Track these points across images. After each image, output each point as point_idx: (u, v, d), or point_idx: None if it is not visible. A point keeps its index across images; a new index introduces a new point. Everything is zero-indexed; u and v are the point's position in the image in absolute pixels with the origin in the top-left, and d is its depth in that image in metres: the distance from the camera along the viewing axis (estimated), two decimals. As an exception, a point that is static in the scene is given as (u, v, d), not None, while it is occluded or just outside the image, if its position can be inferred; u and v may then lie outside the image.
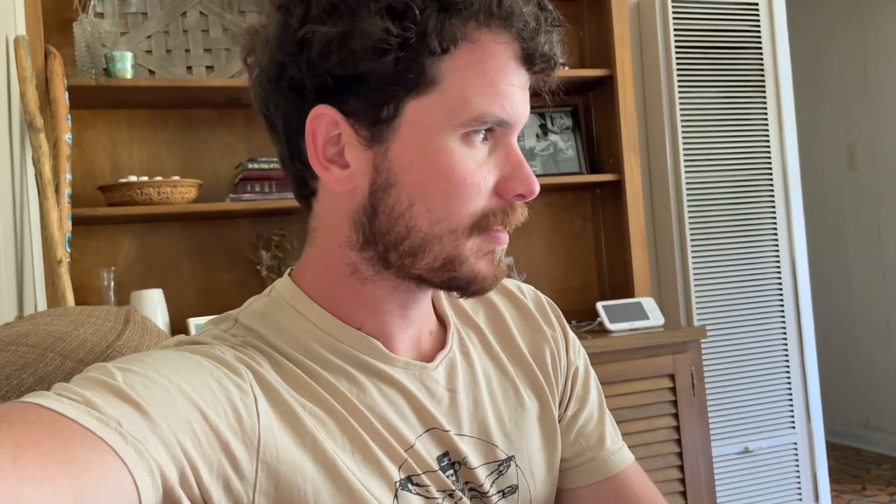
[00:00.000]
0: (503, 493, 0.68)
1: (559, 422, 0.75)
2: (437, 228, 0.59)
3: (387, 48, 0.55)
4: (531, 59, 0.60)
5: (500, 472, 0.68)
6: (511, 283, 0.78)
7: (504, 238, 0.63)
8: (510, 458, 0.69)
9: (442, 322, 0.71)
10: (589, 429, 0.75)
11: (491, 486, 0.67)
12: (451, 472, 0.64)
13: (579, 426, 0.75)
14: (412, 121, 0.58)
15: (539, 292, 0.80)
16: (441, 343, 0.69)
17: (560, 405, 0.76)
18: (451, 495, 0.63)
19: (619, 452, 0.75)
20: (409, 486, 0.60)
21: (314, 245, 0.65)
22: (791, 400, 2.60)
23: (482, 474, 0.66)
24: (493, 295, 0.76)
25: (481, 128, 0.59)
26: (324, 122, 0.59)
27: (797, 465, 2.58)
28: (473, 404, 0.68)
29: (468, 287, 0.62)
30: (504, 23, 0.58)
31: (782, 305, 2.61)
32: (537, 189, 0.62)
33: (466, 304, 0.73)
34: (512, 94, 0.59)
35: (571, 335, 0.78)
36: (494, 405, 0.70)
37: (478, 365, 0.70)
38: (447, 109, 0.58)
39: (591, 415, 0.76)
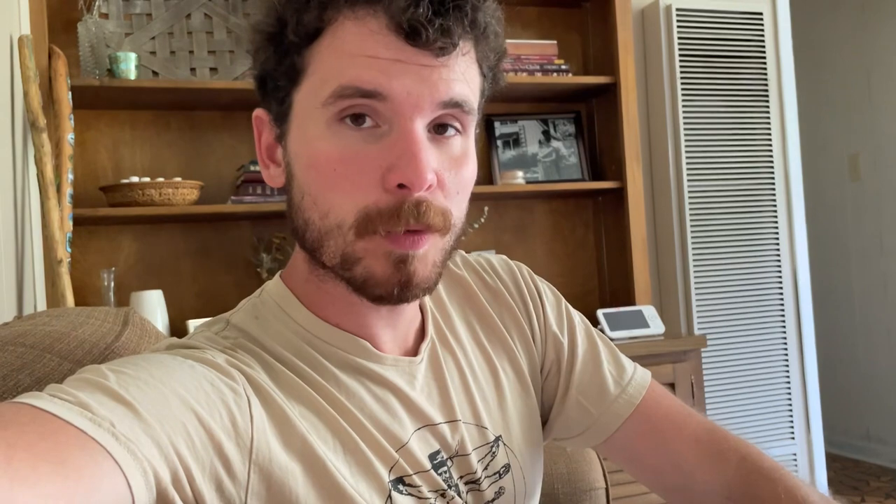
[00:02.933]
0: (499, 475, 0.68)
1: (556, 387, 0.75)
2: (325, 222, 0.58)
3: (264, 45, 0.59)
4: (410, 31, 0.54)
5: (493, 454, 0.68)
6: (481, 258, 0.78)
7: (403, 241, 0.56)
8: (498, 438, 0.69)
9: (419, 309, 0.71)
10: (586, 384, 0.75)
11: (483, 470, 0.67)
12: (444, 468, 0.64)
13: (575, 384, 0.75)
14: (296, 112, 0.59)
15: (512, 262, 0.79)
16: (421, 332, 0.69)
17: (543, 370, 0.76)
18: (442, 495, 0.63)
19: (623, 394, 0.74)
20: (401, 487, 0.60)
21: (296, 245, 0.65)
22: (791, 410, 2.60)
23: (475, 460, 0.66)
24: (463, 272, 0.75)
25: (344, 104, 0.55)
26: (263, 123, 0.64)
27: (795, 473, 2.58)
28: (461, 389, 0.69)
29: (364, 289, 0.58)
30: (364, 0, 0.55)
31: (783, 315, 2.61)
32: (423, 179, 0.54)
33: (440, 283, 0.72)
34: (379, 65, 0.54)
35: (549, 297, 0.77)
36: (479, 387, 0.70)
37: (457, 349, 0.70)
38: (312, 93, 0.57)
39: (585, 369, 0.75)
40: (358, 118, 0.56)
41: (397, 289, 0.58)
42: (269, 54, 0.59)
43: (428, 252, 0.58)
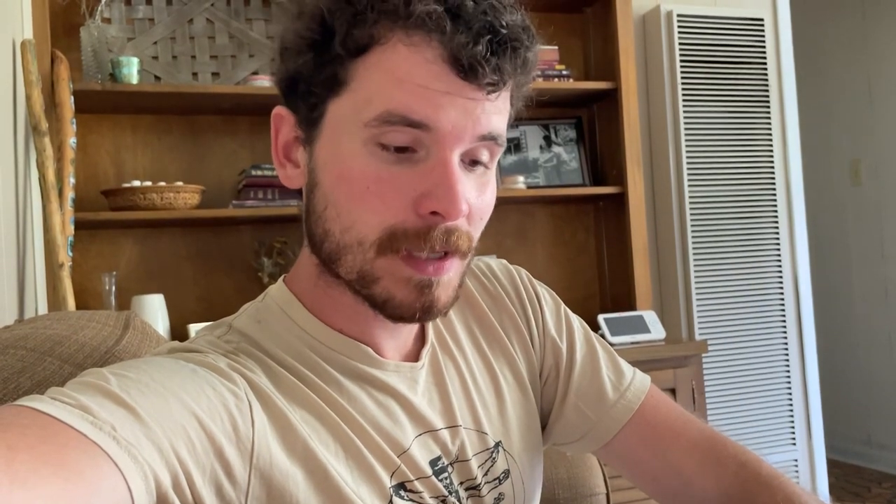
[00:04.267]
0: (499, 480, 0.68)
1: (554, 392, 0.75)
2: (346, 237, 0.58)
3: (303, 50, 0.58)
4: (467, 67, 0.54)
5: (493, 459, 0.68)
6: (481, 262, 0.78)
7: (425, 267, 0.57)
8: (498, 444, 0.69)
9: None
10: (584, 389, 0.75)
11: (483, 476, 0.67)
12: (445, 475, 0.64)
13: (574, 389, 0.75)
14: (330, 122, 0.59)
15: (511, 266, 0.79)
16: (421, 337, 0.69)
17: (542, 375, 0.76)
18: (443, 501, 0.63)
19: (622, 399, 0.74)
20: (402, 492, 0.60)
21: (302, 248, 0.65)
22: (792, 416, 2.59)
23: (475, 465, 0.66)
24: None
25: (388, 129, 0.55)
26: (283, 122, 0.63)
27: (797, 482, 2.57)
28: (462, 395, 0.69)
29: (384, 309, 0.59)
30: (419, 24, 0.54)
31: (784, 321, 2.61)
32: (459, 210, 0.55)
33: None
34: (429, 96, 0.54)
35: (548, 301, 0.78)
36: (479, 392, 0.70)
37: (457, 354, 0.71)
38: (354, 109, 0.57)
39: (584, 374, 0.75)
40: (400, 148, 0.56)
41: (419, 313, 0.58)
42: (308, 59, 0.58)
43: (451, 278, 0.59)
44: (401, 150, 0.56)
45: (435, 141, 0.56)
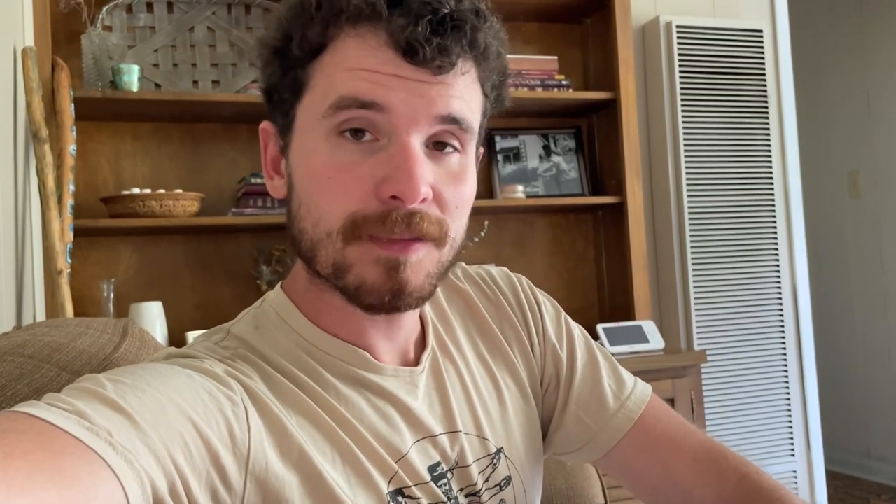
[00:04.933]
0: (500, 487, 0.68)
1: (555, 401, 0.75)
2: (317, 231, 0.59)
3: (271, 59, 0.61)
4: (409, 49, 0.55)
5: (494, 465, 0.68)
6: (482, 270, 0.78)
7: (391, 246, 0.57)
8: (500, 450, 0.69)
9: (419, 319, 0.71)
10: (585, 398, 0.74)
11: (483, 483, 0.66)
12: (444, 481, 0.64)
13: (574, 398, 0.74)
14: (298, 124, 0.60)
15: (512, 273, 0.79)
16: (421, 342, 0.69)
17: (542, 383, 0.75)
18: None
19: (623, 409, 0.74)
20: (400, 498, 0.60)
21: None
22: (791, 427, 2.59)
23: (475, 471, 0.66)
24: (464, 284, 0.75)
25: (343, 114, 0.56)
26: (269, 135, 0.65)
27: (797, 494, 2.56)
28: (463, 400, 0.68)
29: (357, 297, 0.58)
30: (361, 14, 0.56)
31: (783, 332, 2.61)
32: (416, 191, 0.55)
33: (441, 294, 0.73)
34: (377, 79, 0.55)
35: (548, 309, 0.77)
36: (480, 398, 0.70)
37: (458, 359, 0.70)
38: (314, 106, 0.58)
39: (585, 383, 0.75)
40: (357, 132, 0.57)
41: (389, 296, 0.58)
42: (275, 68, 0.61)
43: (422, 261, 0.58)
44: (358, 133, 0.57)
45: (391, 124, 0.56)
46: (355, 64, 0.56)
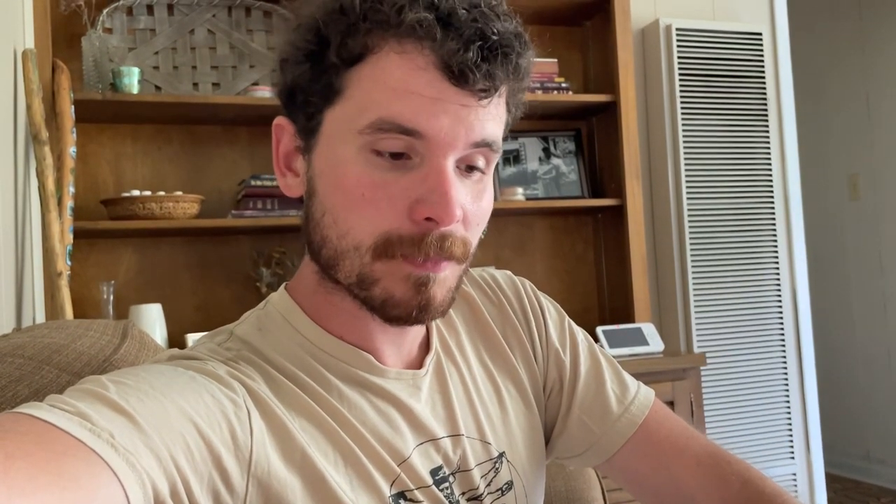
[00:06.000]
0: (501, 491, 0.67)
1: (558, 405, 0.75)
2: (343, 242, 0.58)
3: (301, 60, 0.59)
4: (457, 73, 0.55)
5: (496, 469, 0.68)
6: (486, 273, 0.78)
7: (425, 264, 0.57)
8: (502, 455, 0.69)
9: None
10: (588, 403, 0.74)
11: (485, 487, 0.66)
12: (446, 484, 0.64)
13: (578, 402, 0.74)
14: (327, 131, 0.60)
15: (515, 277, 0.79)
16: (425, 345, 0.69)
17: (545, 388, 0.75)
18: None
19: (626, 413, 0.74)
20: (402, 502, 0.60)
21: (304, 256, 0.66)
22: (791, 430, 2.59)
23: (477, 476, 0.66)
24: (469, 287, 0.75)
25: (381, 136, 0.56)
26: (284, 132, 0.64)
27: (797, 497, 2.56)
28: (466, 403, 0.68)
29: (383, 309, 0.59)
30: (410, 32, 0.55)
31: (783, 334, 2.61)
32: (452, 216, 0.56)
33: None
34: (421, 103, 0.55)
35: (552, 314, 0.77)
36: (482, 402, 0.70)
37: (461, 363, 0.70)
38: (349, 117, 0.57)
39: (588, 388, 0.75)
40: (395, 155, 0.57)
41: (416, 311, 0.58)
42: (305, 70, 0.59)
43: (447, 277, 0.59)
44: (395, 156, 0.57)
45: (428, 148, 0.56)
46: (399, 84, 0.55)
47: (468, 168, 0.59)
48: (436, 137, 0.56)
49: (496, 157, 0.61)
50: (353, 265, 0.58)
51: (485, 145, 0.58)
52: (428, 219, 0.56)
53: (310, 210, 0.61)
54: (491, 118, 0.58)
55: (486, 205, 0.61)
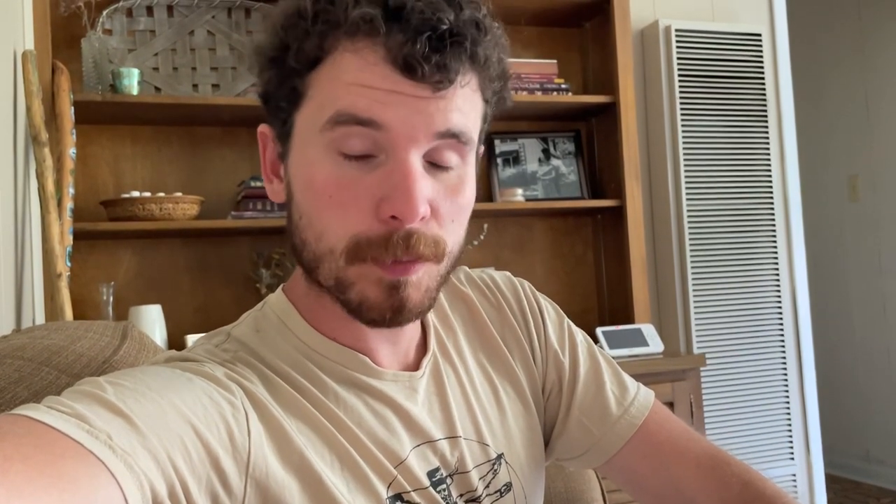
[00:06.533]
0: (500, 493, 0.67)
1: (557, 407, 0.75)
2: (320, 245, 0.58)
3: (267, 66, 0.60)
4: (406, 66, 0.54)
5: (495, 471, 0.67)
6: (484, 274, 0.78)
7: (395, 268, 0.56)
8: (500, 456, 0.69)
9: (421, 324, 0.70)
10: (588, 404, 0.74)
11: (484, 489, 0.66)
12: (444, 486, 0.64)
13: (577, 404, 0.74)
14: (297, 134, 0.60)
15: (515, 278, 0.79)
16: (422, 346, 0.69)
17: (545, 390, 0.75)
18: None
19: (626, 415, 0.73)
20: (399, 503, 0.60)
21: None
22: (790, 431, 2.59)
23: (475, 477, 0.66)
24: (467, 288, 0.75)
25: (342, 130, 0.56)
26: (267, 139, 0.64)
27: (796, 497, 2.56)
28: (463, 405, 0.68)
29: (359, 312, 0.59)
30: (359, 29, 0.55)
31: (782, 335, 2.61)
32: (415, 211, 0.55)
33: (443, 299, 0.72)
34: (375, 95, 0.55)
35: (551, 315, 0.77)
36: (480, 404, 0.70)
37: (459, 364, 0.70)
38: (312, 118, 0.58)
39: (588, 389, 0.75)
40: (361, 155, 0.56)
41: (389, 313, 0.58)
42: (272, 76, 0.60)
43: (421, 278, 0.58)
44: (361, 157, 0.56)
45: (390, 141, 0.55)
46: (353, 79, 0.55)
47: (439, 160, 0.58)
48: (394, 128, 0.55)
49: (470, 150, 0.59)
50: (330, 269, 0.58)
51: (450, 136, 0.57)
52: (393, 217, 0.55)
53: (290, 214, 0.62)
54: (455, 109, 0.56)
55: (465, 200, 0.60)
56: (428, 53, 0.54)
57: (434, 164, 0.58)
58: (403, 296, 0.58)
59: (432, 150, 0.57)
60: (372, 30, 0.54)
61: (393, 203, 0.55)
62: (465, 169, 0.60)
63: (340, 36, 0.56)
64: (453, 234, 0.60)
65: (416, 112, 0.55)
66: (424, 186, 0.56)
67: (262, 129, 0.65)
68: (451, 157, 0.58)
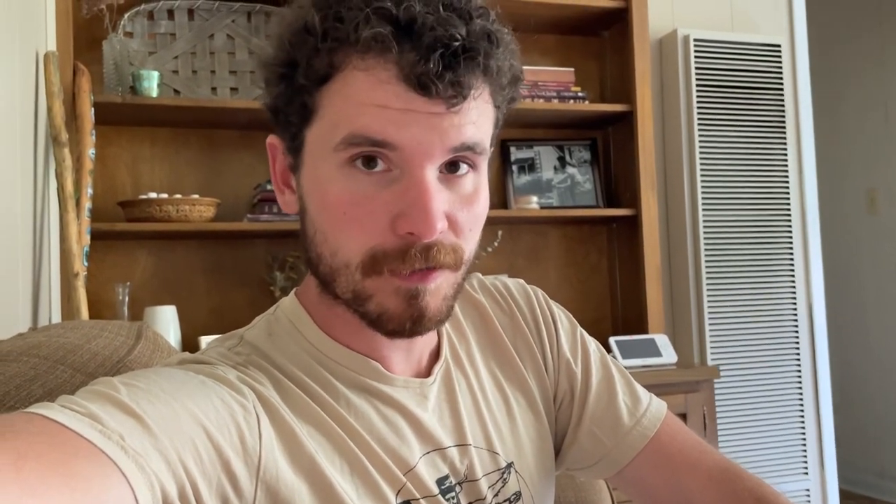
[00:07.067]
0: (509, 502, 0.67)
1: (569, 417, 0.74)
2: (335, 260, 0.58)
3: (275, 81, 0.59)
4: (420, 85, 0.53)
5: (504, 480, 0.67)
6: (498, 282, 0.78)
7: (412, 277, 0.56)
8: (510, 465, 0.68)
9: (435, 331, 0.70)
10: (599, 414, 0.74)
11: (493, 497, 0.66)
12: (452, 494, 0.63)
13: (589, 414, 0.74)
14: (309, 149, 0.59)
15: (528, 286, 0.79)
16: (434, 353, 0.69)
17: (556, 399, 0.75)
18: None
19: (638, 426, 0.73)
20: None
21: None
22: (805, 445, 2.56)
23: (484, 486, 0.66)
24: (480, 295, 0.75)
25: (355, 151, 0.55)
26: (276, 150, 0.64)
27: (809, 513, 2.53)
28: (474, 413, 0.68)
29: (379, 323, 0.59)
30: (370, 47, 0.54)
31: (798, 348, 2.58)
32: (433, 229, 0.55)
33: (456, 306, 0.72)
34: (388, 115, 0.54)
35: (564, 324, 0.77)
36: (490, 412, 0.69)
37: (470, 372, 0.70)
38: (324, 136, 0.57)
39: (599, 399, 0.74)
40: (370, 161, 0.56)
41: (409, 323, 0.58)
42: (281, 90, 0.59)
43: (440, 286, 0.58)
44: (373, 167, 0.56)
45: (404, 159, 0.55)
46: (365, 98, 0.54)
47: (451, 166, 0.57)
48: (408, 148, 0.55)
49: (483, 159, 0.59)
50: (346, 282, 0.58)
51: (465, 149, 0.57)
52: (410, 233, 0.55)
53: (304, 227, 0.62)
54: (470, 122, 0.56)
55: (480, 209, 0.60)
56: (441, 71, 0.53)
57: (449, 174, 0.58)
58: (423, 304, 0.57)
59: (446, 162, 0.57)
60: (383, 48, 0.53)
61: (410, 220, 0.55)
62: (479, 177, 0.60)
63: (351, 53, 0.55)
64: (471, 241, 0.60)
65: (430, 129, 0.55)
66: (441, 201, 0.56)
67: (272, 140, 0.64)
68: (464, 167, 0.58)
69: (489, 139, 0.60)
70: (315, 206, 0.59)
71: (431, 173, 0.56)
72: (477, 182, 0.60)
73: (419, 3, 0.54)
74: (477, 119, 0.57)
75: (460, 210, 0.58)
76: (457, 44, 0.53)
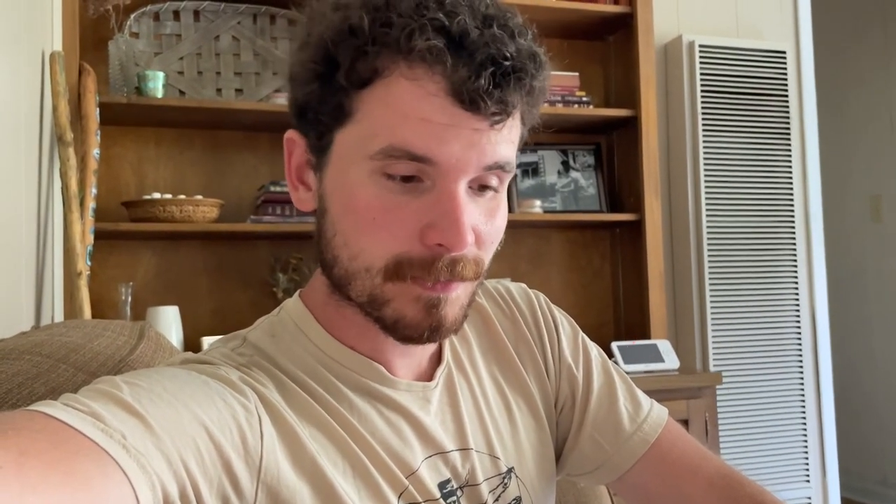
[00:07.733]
0: None
1: (570, 422, 0.74)
2: (354, 264, 0.58)
3: (310, 79, 0.58)
4: (469, 101, 0.53)
5: (505, 485, 0.67)
6: (500, 286, 0.78)
7: (435, 286, 0.57)
8: (511, 470, 0.68)
9: None
10: (601, 420, 0.74)
11: (494, 502, 0.66)
12: (454, 498, 0.63)
13: (590, 419, 0.74)
14: (338, 151, 0.59)
15: (530, 290, 0.79)
16: (437, 357, 0.69)
17: (557, 404, 0.75)
18: None
19: (639, 431, 0.73)
20: None
21: (318, 267, 0.66)
22: (807, 452, 2.55)
23: (485, 490, 0.66)
24: (483, 301, 0.75)
25: (392, 162, 0.55)
26: (295, 145, 0.63)
27: (811, 520, 2.52)
28: (475, 417, 0.68)
29: (395, 329, 0.59)
30: (421, 58, 0.53)
31: (800, 355, 2.58)
32: (464, 243, 0.55)
33: None
34: (432, 129, 0.54)
35: (566, 329, 0.77)
36: (492, 416, 0.69)
37: (472, 376, 0.70)
38: (359, 141, 0.56)
39: (601, 405, 0.74)
40: (408, 177, 0.56)
41: (427, 332, 0.58)
42: (314, 89, 0.58)
43: (459, 296, 0.59)
44: (407, 178, 0.56)
45: (440, 173, 0.55)
46: (409, 110, 0.54)
47: (481, 187, 0.58)
48: (447, 164, 0.55)
49: (509, 176, 0.60)
50: (364, 286, 0.58)
51: (497, 168, 0.57)
52: (439, 244, 0.56)
53: (321, 228, 0.61)
54: (504, 140, 0.57)
55: (500, 222, 0.61)
56: (491, 89, 0.53)
57: (476, 189, 0.58)
58: (442, 314, 0.58)
59: (478, 179, 0.58)
60: (435, 60, 0.53)
61: (440, 232, 0.55)
62: (502, 192, 0.61)
63: (398, 60, 0.54)
64: (491, 253, 0.61)
65: (470, 146, 0.55)
66: (471, 215, 0.57)
67: (291, 135, 0.63)
68: (493, 183, 0.59)
69: (515, 154, 0.61)
70: (338, 208, 0.59)
71: (463, 188, 0.56)
72: (500, 197, 0.61)
73: (469, 17, 0.54)
74: (510, 137, 0.58)
75: (484, 224, 0.59)
76: (507, 63, 0.54)
